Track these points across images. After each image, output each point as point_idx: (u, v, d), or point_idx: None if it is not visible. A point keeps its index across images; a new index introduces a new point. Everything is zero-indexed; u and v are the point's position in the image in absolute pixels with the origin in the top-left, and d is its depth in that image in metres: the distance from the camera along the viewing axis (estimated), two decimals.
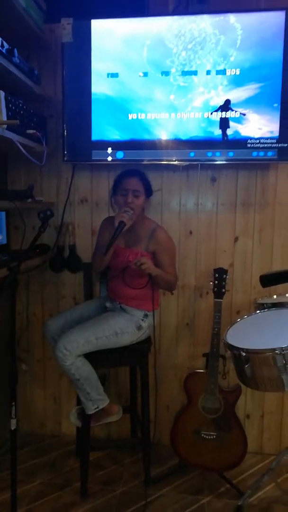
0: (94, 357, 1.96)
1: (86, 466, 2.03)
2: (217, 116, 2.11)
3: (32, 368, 2.53)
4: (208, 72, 2.09)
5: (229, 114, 2.10)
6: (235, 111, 2.10)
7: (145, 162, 2.19)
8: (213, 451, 2.07)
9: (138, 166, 2.15)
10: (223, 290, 2.07)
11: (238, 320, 1.87)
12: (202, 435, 2.07)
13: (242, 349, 1.59)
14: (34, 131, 1.88)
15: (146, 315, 2.03)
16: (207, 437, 2.07)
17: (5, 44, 1.67)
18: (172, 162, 2.18)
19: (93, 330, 1.92)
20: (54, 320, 2.10)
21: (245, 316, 1.90)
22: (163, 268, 2.00)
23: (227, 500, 2.01)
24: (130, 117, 2.16)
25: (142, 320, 2.03)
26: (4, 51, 1.66)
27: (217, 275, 2.09)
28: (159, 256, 2.01)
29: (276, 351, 1.55)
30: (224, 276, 2.08)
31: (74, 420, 2.09)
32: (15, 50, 1.75)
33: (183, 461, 2.16)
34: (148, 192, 2.04)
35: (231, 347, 1.64)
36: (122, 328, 1.96)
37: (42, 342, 2.51)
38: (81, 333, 1.90)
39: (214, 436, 2.06)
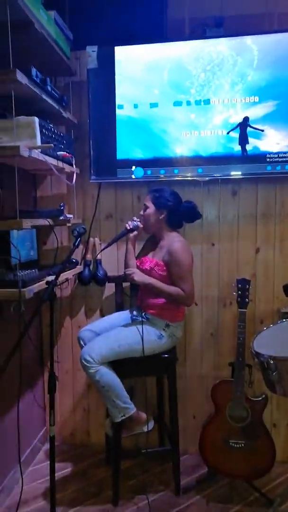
0: (121, 367, 2.03)
1: (118, 475, 2.09)
2: (236, 133, 2.20)
3: (61, 379, 2.61)
4: (226, 91, 2.19)
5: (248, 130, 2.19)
6: (254, 128, 2.18)
7: (165, 179, 2.29)
8: (241, 459, 2.10)
9: (160, 183, 2.26)
10: (247, 300, 2.13)
11: (264, 328, 1.92)
12: (230, 443, 2.11)
13: (270, 356, 1.64)
14: (65, 152, 1.99)
15: (167, 325, 2.08)
16: (235, 445, 2.10)
17: (39, 74, 1.80)
18: (192, 178, 2.27)
19: (116, 338, 2.01)
20: (86, 330, 2.20)
21: (271, 325, 1.94)
22: (174, 280, 2.03)
23: (257, 508, 2.04)
24: (152, 136, 2.27)
25: (164, 329, 2.07)
26: (38, 80, 1.79)
27: (240, 285, 2.15)
28: (170, 268, 2.03)
29: None
30: (247, 286, 2.14)
31: (108, 430, 2.15)
32: (47, 79, 1.88)
33: (212, 469, 2.19)
34: (160, 204, 2.10)
35: (258, 355, 1.69)
36: (144, 337, 2.01)
37: (71, 353, 2.60)
38: (104, 341, 2.00)
39: (242, 445, 2.10)
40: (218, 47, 2.19)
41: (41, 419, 2.62)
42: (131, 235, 2.17)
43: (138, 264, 2.16)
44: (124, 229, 2.17)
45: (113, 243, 2.16)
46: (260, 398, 2.11)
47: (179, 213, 2.13)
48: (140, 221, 2.16)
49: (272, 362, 1.64)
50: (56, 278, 1.61)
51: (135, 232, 2.17)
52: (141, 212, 2.15)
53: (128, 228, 2.15)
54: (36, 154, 1.72)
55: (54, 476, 1.66)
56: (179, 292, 2.01)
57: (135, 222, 2.15)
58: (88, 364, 1.94)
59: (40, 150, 1.75)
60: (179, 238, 2.12)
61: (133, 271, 2.05)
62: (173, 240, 2.07)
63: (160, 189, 2.14)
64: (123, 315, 2.27)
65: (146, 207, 2.13)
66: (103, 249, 2.19)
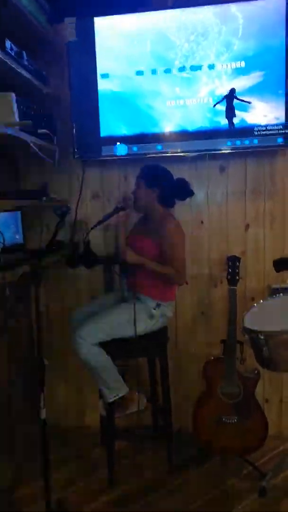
0: (113, 348, 2.01)
1: (112, 455, 2.09)
2: (222, 105, 2.14)
3: (53, 362, 2.58)
4: (211, 65, 2.11)
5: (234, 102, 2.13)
6: (240, 100, 2.12)
7: (152, 155, 2.22)
8: (234, 435, 2.11)
9: (146, 160, 2.19)
10: (237, 277, 2.11)
11: (254, 305, 1.91)
12: (223, 419, 2.11)
13: (260, 332, 1.63)
14: (46, 130, 1.92)
15: (158, 305, 2.07)
16: (228, 421, 2.11)
17: (13, 47, 1.72)
18: (180, 154, 2.21)
19: (107, 319, 2.00)
20: (77, 312, 2.19)
21: (261, 301, 1.93)
22: (167, 260, 2.01)
23: (251, 482, 2.06)
24: (137, 111, 2.19)
25: (154, 309, 2.06)
26: (13, 53, 1.71)
27: (230, 262, 2.12)
28: (162, 248, 2.01)
29: None
30: (237, 263, 2.11)
31: (102, 410, 2.15)
32: (24, 53, 1.80)
33: (206, 446, 2.20)
34: (151, 182, 2.05)
35: (249, 331, 1.68)
36: (133, 316, 2.00)
37: (62, 336, 2.57)
38: (96, 322, 1.99)
39: (235, 421, 2.10)
40: (202, 16, 2.10)
41: (36, 403, 2.59)
42: (122, 213, 2.12)
43: (129, 242, 2.13)
44: (116, 207, 2.13)
45: (103, 222, 2.11)
46: (252, 374, 2.11)
47: (171, 191, 2.09)
48: (128, 200, 2.12)
49: (262, 337, 1.63)
50: (40, 260, 1.57)
51: (128, 211, 2.12)
52: (132, 190, 2.11)
53: (119, 206, 2.11)
54: (14, 131, 1.65)
55: (47, 457, 1.66)
56: (171, 272, 1.99)
57: (126, 201, 2.13)
58: (79, 346, 1.93)
59: (18, 127, 1.68)
60: (171, 217, 2.09)
61: (127, 251, 2.01)
62: (165, 220, 2.04)
63: (151, 166, 2.10)
64: (114, 296, 2.25)
65: (137, 185, 2.08)
66: (93, 227, 2.13)
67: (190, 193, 2.15)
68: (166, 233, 1.99)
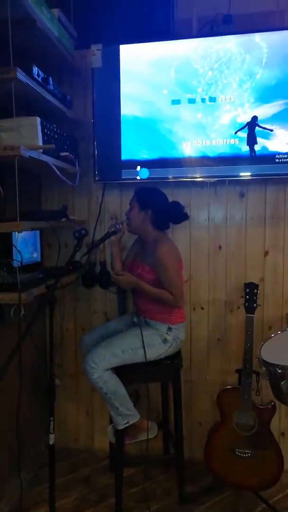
0: (126, 373, 1.99)
1: (121, 483, 2.04)
2: (244, 133, 2.14)
3: (65, 383, 2.57)
4: (234, 93, 2.13)
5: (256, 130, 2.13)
6: (262, 127, 2.12)
7: (171, 180, 2.23)
8: (248, 469, 2.04)
9: (166, 184, 2.21)
10: (255, 305, 2.07)
11: (272, 335, 1.86)
12: (237, 452, 2.04)
13: (278, 366, 1.58)
14: (68, 153, 1.96)
15: (169, 328, 2.04)
16: (242, 455, 2.04)
17: (40, 73, 1.77)
18: (199, 179, 2.22)
19: (119, 344, 1.97)
20: (89, 334, 2.18)
21: (279, 332, 1.88)
22: (162, 283, 1.98)
23: None
24: (158, 136, 2.22)
25: (167, 333, 2.03)
26: (40, 79, 1.75)
27: (248, 289, 2.09)
28: (158, 272, 1.98)
29: None
30: (255, 290, 2.08)
31: (111, 437, 2.10)
32: (50, 79, 1.84)
33: (218, 479, 2.13)
34: (144, 204, 2.04)
35: (266, 364, 1.63)
36: (147, 341, 1.98)
37: (75, 357, 2.56)
38: (108, 347, 1.95)
39: (249, 454, 2.03)
40: (226, 45, 2.13)
41: (46, 423, 2.57)
42: (113, 238, 2.10)
43: (128, 266, 2.14)
44: (107, 231, 2.09)
45: (96, 246, 2.11)
46: (268, 406, 2.05)
47: (165, 214, 2.07)
48: (122, 223, 2.10)
49: (280, 371, 1.58)
50: (56, 282, 1.57)
51: (118, 235, 2.10)
52: (126, 212, 2.11)
53: (110, 230, 2.07)
54: (37, 154, 1.68)
55: (54, 483, 1.64)
56: (168, 296, 1.97)
57: (117, 225, 2.08)
58: (91, 371, 1.90)
59: (41, 150, 1.72)
60: (164, 239, 2.06)
61: (119, 275, 2.00)
62: (157, 243, 2.01)
63: (145, 188, 2.10)
64: (126, 320, 2.23)
65: (131, 207, 2.08)
66: (87, 252, 2.06)
67: (185, 217, 2.11)
68: (158, 256, 1.95)
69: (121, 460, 2.04)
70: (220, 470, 2.10)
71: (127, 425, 1.97)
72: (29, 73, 1.66)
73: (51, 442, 1.57)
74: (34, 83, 1.70)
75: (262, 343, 1.80)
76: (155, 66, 2.20)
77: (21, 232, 1.77)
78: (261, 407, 2.04)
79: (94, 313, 2.53)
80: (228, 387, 2.12)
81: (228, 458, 2.06)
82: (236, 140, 2.15)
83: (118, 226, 2.09)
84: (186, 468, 2.14)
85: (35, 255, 2.28)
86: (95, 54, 2.24)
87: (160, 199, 2.07)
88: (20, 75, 1.55)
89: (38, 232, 2.32)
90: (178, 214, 2.10)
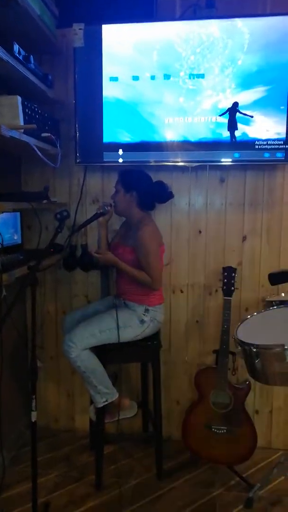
0: (105, 354, 2.03)
1: (101, 460, 2.10)
2: (225, 118, 2.16)
3: (46, 365, 2.60)
4: (215, 78, 2.14)
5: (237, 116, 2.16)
6: (243, 114, 2.15)
7: (153, 163, 2.24)
8: (223, 445, 2.13)
9: (148, 168, 2.22)
10: (232, 288, 2.13)
11: (248, 317, 1.92)
12: (213, 429, 2.13)
13: (253, 345, 1.64)
14: (49, 134, 1.94)
15: (147, 310, 2.08)
16: (217, 431, 2.12)
17: (21, 51, 1.73)
18: (180, 163, 2.23)
19: (97, 324, 2.01)
20: (70, 315, 2.21)
21: (255, 313, 1.95)
22: (141, 266, 2.02)
23: (237, 492, 2.07)
24: (140, 120, 2.22)
25: (144, 314, 2.07)
26: (21, 58, 1.72)
27: (226, 273, 2.14)
28: (138, 254, 2.02)
29: (286, 347, 1.60)
30: (233, 274, 2.13)
31: (92, 415, 2.15)
32: (31, 57, 1.81)
33: (194, 455, 2.22)
34: (129, 186, 2.06)
35: (242, 343, 1.69)
36: (124, 322, 2.02)
37: (55, 339, 2.58)
38: (86, 327, 1.99)
39: (225, 431, 2.12)
40: (209, 29, 2.13)
41: (27, 404, 2.60)
42: (101, 219, 2.12)
43: (112, 247, 2.16)
44: (95, 213, 2.10)
45: (82, 227, 2.11)
46: (243, 386, 2.13)
47: (150, 194, 2.10)
48: (111, 205, 2.12)
49: (255, 350, 1.64)
50: (38, 263, 1.57)
51: (106, 216, 2.13)
52: (111, 195, 2.13)
53: (99, 212, 2.09)
54: (18, 134, 1.66)
55: (36, 460, 1.67)
56: (145, 277, 2.01)
57: (105, 207, 2.10)
58: (69, 350, 1.94)
59: (22, 130, 1.70)
60: (148, 222, 2.09)
61: (98, 253, 2.04)
62: (142, 225, 2.04)
63: (128, 170, 2.12)
64: (107, 302, 2.26)
65: (116, 190, 2.10)
66: (72, 233, 2.10)
67: (170, 195, 2.15)
68: (139, 238, 1.99)
69: (101, 437, 2.09)
70: (197, 446, 2.18)
71: (106, 403, 2.02)
72: (9, 50, 1.62)
73: (33, 419, 1.59)
74: (15, 61, 1.67)
75: (239, 323, 1.86)
76: (137, 48, 2.18)
77: (2, 213, 1.76)
78: (236, 386, 2.12)
79: (75, 296, 2.54)
80: (205, 367, 2.19)
81: (204, 435, 2.14)
82: (217, 125, 2.18)
83: (106, 208, 2.10)
84: (164, 445, 2.22)
85: (15, 237, 2.27)
86: (77, 34, 2.20)
87: (144, 180, 2.09)
88: (1, 52, 1.52)
89: (18, 214, 2.30)
90: (163, 193, 2.13)
